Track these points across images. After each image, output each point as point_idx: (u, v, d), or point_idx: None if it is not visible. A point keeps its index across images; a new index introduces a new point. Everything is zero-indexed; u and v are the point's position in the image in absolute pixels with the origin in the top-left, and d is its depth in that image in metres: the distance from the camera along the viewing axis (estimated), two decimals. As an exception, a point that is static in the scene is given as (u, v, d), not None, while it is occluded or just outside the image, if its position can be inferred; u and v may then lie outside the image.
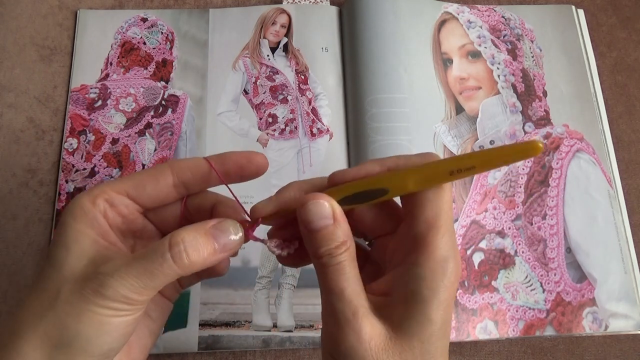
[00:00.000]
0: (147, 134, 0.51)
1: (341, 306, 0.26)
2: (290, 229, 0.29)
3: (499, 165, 0.25)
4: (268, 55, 0.54)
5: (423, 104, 0.51)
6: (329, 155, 0.51)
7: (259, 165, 0.29)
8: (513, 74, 0.54)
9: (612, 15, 0.59)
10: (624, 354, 0.47)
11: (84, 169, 0.49)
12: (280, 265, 0.47)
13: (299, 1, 0.56)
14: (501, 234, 0.48)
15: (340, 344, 0.25)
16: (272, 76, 0.53)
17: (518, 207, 0.49)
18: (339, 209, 0.26)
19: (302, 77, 0.53)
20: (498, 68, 0.54)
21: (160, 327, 0.31)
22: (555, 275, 0.47)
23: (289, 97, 0.53)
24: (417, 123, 0.50)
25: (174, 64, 0.54)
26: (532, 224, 0.49)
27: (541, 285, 0.47)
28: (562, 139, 0.52)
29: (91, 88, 0.52)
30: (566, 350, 0.47)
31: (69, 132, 0.50)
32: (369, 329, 0.25)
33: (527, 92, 0.53)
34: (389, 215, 0.29)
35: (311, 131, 0.51)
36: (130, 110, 0.51)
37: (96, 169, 0.49)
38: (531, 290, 0.47)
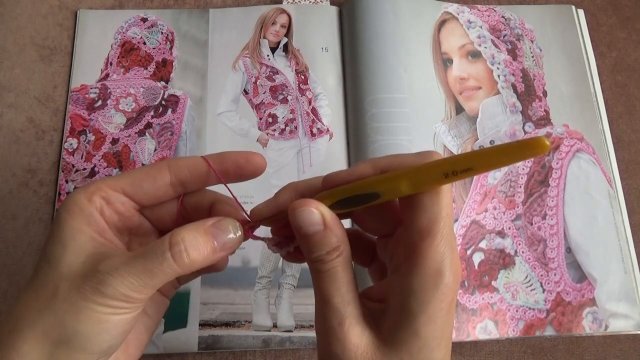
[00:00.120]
0: (147, 134, 0.51)
1: (329, 314, 0.25)
2: (290, 228, 0.29)
3: (500, 166, 0.23)
4: (268, 55, 0.54)
5: (423, 104, 0.51)
6: (329, 155, 0.51)
7: (258, 166, 0.29)
8: (513, 74, 0.54)
9: (612, 15, 0.59)
10: (624, 354, 0.47)
11: (84, 169, 0.49)
12: (280, 265, 0.47)
13: (299, 1, 0.56)
14: (501, 234, 0.48)
15: (328, 350, 0.25)
16: (272, 76, 0.53)
17: (518, 207, 0.49)
18: (329, 215, 0.26)
19: (302, 77, 0.53)
20: (498, 68, 0.54)
21: (156, 323, 0.31)
22: (555, 275, 0.47)
23: (289, 97, 0.53)
24: (417, 123, 0.50)
25: (174, 64, 0.54)
26: (532, 224, 0.49)
27: (541, 285, 0.47)
28: (562, 139, 0.52)
29: (91, 88, 0.52)
30: (566, 350, 0.47)
31: (69, 132, 0.50)
32: (356, 339, 0.25)
33: (527, 92, 0.53)
34: (388, 217, 0.28)
35: (311, 131, 0.51)
36: (130, 110, 0.51)
37: (96, 169, 0.49)
38: (531, 290, 0.47)
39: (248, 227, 0.28)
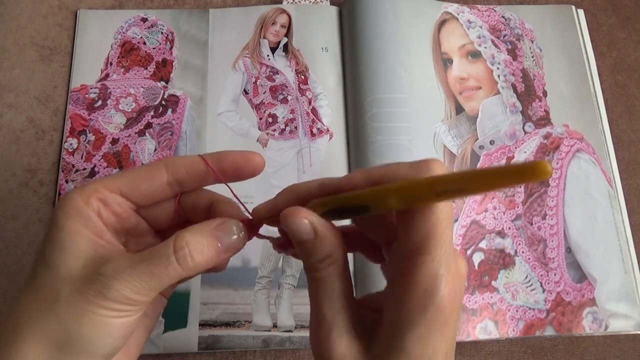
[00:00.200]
0: (147, 134, 0.51)
1: (318, 322, 0.25)
2: None
3: (497, 189, 0.20)
4: (268, 55, 0.54)
5: (423, 104, 0.51)
6: (329, 155, 0.51)
7: (256, 165, 0.28)
8: (513, 74, 0.54)
9: (612, 15, 0.59)
10: (624, 354, 0.47)
11: (84, 169, 0.49)
12: (280, 265, 0.47)
13: (299, 1, 0.56)
14: (501, 234, 0.48)
15: (317, 357, 0.25)
16: (272, 76, 0.53)
17: (518, 207, 0.49)
18: (320, 224, 0.25)
19: (302, 77, 0.53)
20: (498, 68, 0.54)
21: (154, 322, 0.31)
22: (555, 275, 0.47)
23: (289, 97, 0.53)
24: (417, 123, 0.50)
25: (174, 64, 0.54)
26: (532, 224, 0.49)
27: (541, 285, 0.47)
28: (562, 139, 0.52)
29: (91, 88, 0.52)
30: (566, 350, 0.47)
31: (69, 132, 0.50)
32: (342, 350, 0.24)
33: (527, 92, 0.53)
34: (386, 226, 0.27)
35: (311, 131, 0.51)
36: (130, 110, 0.51)
37: (96, 169, 0.49)
38: (531, 290, 0.47)
39: (251, 227, 0.28)
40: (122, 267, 0.24)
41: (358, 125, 0.50)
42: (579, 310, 0.46)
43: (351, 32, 0.53)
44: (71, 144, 0.50)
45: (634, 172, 0.53)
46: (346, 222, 0.39)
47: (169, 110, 0.52)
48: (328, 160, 0.51)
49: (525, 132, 0.52)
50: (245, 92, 0.53)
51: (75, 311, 0.24)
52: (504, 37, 0.55)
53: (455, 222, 0.49)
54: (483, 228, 0.49)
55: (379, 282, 0.44)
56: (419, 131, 0.50)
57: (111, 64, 0.53)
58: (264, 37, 0.55)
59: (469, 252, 0.48)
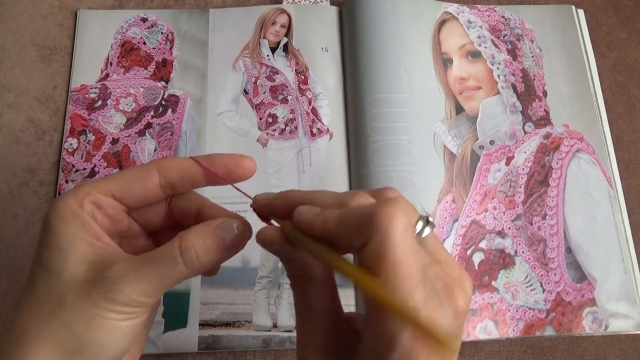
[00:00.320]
0: (147, 134, 0.51)
1: (297, 339, 0.26)
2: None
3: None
4: (268, 55, 0.54)
5: (423, 104, 0.51)
6: (329, 155, 0.51)
7: (247, 170, 0.28)
8: (513, 74, 0.54)
9: (612, 15, 0.59)
10: (624, 354, 0.47)
11: (84, 169, 0.49)
12: (280, 265, 0.47)
13: (299, 1, 0.56)
14: (501, 234, 0.48)
15: None
16: (272, 76, 0.53)
17: (518, 207, 0.49)
18: (287, 248, 0.26)
19: (302, 77, 0.53)
20: (498, 68, 0.54)
21: (153, 320, 0.31)
22: (555, 275, 0.47)
23: (289, 97, 0.53)
24: (417, 123, 0.50)
25: (174, 64, 0.54)
26: (532, 224, 0.49)
27: (541, 285, 0.47)
28: (562, 139, 0.52)
29: (91, 88, 0.52)
30: (566, 350, 0.47)
31: (69, 132, 0.50)
32: None
33: (527, 92, 0.53)
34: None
35: (311, 131, 0.51)
36: (130, 110, 0.51)
37: (96, 169, 0.49)
38: (531, 290, 0.47)
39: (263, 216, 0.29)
40: (127, 270, 0.24)
41: (358, 125, 0.50)
42: (579, 310, 0.46)
43: (351, 32, 0.53)
44: (71, 144, 0.50)
45: (634, 172, 0.53)
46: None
47: (169, 110, 0.52)
48: (328, 160, 0.51)
49: (525, 132, 0.52)
50: (245, 92, 0.53)
51: (83, 316, 0.24)
52: (504, 37, 0.55)
53: (455, 222, 0.49)
54: (483, 228, 0.48)
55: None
56: (419, 131, 0.50)
57: (111, 64, 0.53)
58: (264, 37, 0.55)
59: (469, 252, 0.48)
